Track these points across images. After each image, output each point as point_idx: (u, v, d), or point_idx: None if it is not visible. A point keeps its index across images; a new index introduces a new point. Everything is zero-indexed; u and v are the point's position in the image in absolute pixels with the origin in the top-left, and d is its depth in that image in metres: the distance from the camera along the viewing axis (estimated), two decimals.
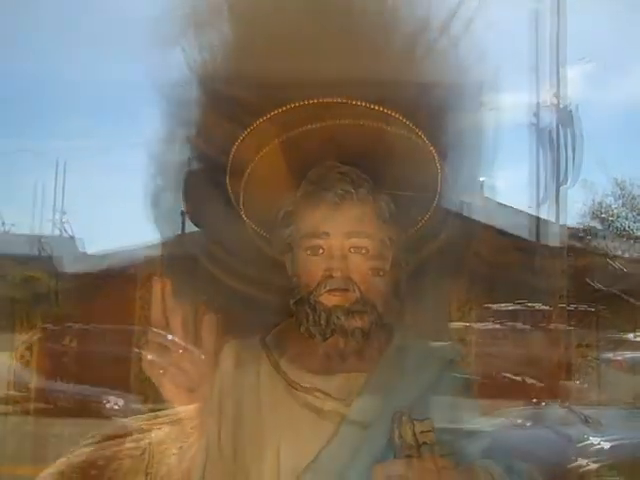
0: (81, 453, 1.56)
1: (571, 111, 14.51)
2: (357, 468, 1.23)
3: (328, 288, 1.27)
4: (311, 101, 1.34)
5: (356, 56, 1.34)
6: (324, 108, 1.34)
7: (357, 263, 1.29)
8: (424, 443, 1.17)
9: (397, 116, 1.34)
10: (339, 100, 1.33)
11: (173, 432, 1.43)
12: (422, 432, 1.17)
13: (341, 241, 1.28)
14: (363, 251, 1.29)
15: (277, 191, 1.38)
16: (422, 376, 1.33)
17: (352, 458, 1.24)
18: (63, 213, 21.55)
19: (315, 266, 1.29)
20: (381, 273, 1.33)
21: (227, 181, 1.41)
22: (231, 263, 1.46)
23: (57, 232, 21.52)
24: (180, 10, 1.39)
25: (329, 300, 1.27)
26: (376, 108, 1.32)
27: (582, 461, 3.97)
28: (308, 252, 1.30)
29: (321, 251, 1.29)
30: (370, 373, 1.31)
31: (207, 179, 1.44)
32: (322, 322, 1.27)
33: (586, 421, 4.71)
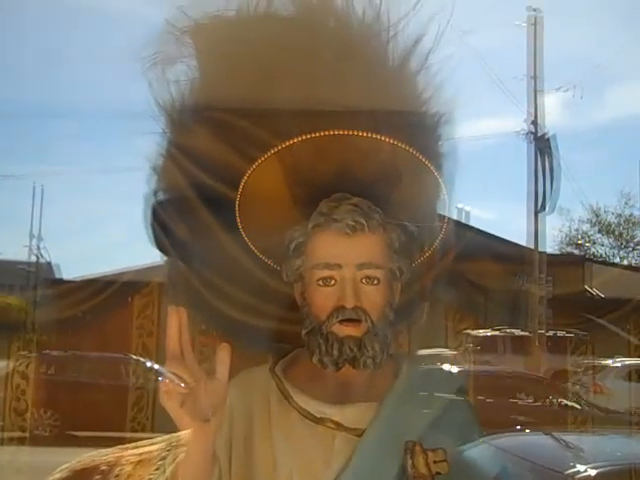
0: None
1: (549, 139, 14.75)
2: None
3: (340, 318, 1.28)
4: (318, 134, 1.35)
5: (319, 84, 1.36)
6: (331, 140, 1.35)
7: (368, 294, 1.30)
8: (437, 473, 1.17)
9: (406, 147, 1.36)
10: (347, 132, 1.35)
11: (141, 465, 1.42)
12: (435, 462, 1.18)
13: (353, 272, 1.29)
14: (375, 282, 1.30)
15: (285, 222, 1.39)
16: (433, 405, 1.34)
17: None
18: (40, 239, 21.42)
19: (327, 297, 1.30)
20: (391, 303, 1.34)
21: (237, 211, 1.41)
22: (223, 289, 1.46)
23: (33, 258, 21.37)
24: (149, 47, 1.43)
25: (341, 330, 1.28)
26: (386, 140, 1.34)
27: (580, 467, 3.97)
28: (320, 283, 1.31)
29: (333, 282, 1.30)
30: (381, 403, 1.32)
31: (180, 207, 1.45)
32: (335, 352, 1.28)
33: (567, 447, 4.70)
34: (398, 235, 1.36)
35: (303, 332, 1.32)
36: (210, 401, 1.12)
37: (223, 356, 1.16)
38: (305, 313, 1.34)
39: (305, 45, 1.39)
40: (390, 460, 1.24)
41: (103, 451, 1.55)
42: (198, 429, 1.13)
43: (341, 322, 1.28)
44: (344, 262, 1.29)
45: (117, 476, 1.45)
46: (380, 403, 1.32)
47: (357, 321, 1.28)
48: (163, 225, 1.47)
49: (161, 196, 1.49)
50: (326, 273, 1.30)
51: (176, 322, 1.12)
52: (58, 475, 1.52)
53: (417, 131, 1.41)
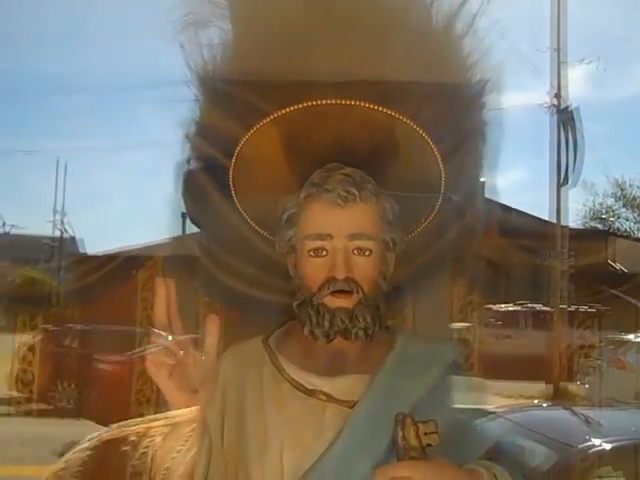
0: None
1: (572, 112, 14.56)
2: (360, 470, 1.22)
3: (331, 290, 1.27)
4: (315, 102, 1.33)
5: (359, 55, 1.33)
6: (328, 109, 1.33)
7: (360, 265, 1.28)
8: (428, 445, 1.16)
9: (402, 117, 1.33)
10: (343, 102, 1.33)
11: (171, 436, 1.42)
12: (426, 434, 1.17)
13: (344, 243, 1.28)
14: (367, 253, 1.29)
15: (279, 192, 1.38)
16: (425, 378, 1.33)
17: (355, 460, 1.24)
18: (64, 214, 21.61)
19: (318, 268, 1.29)
20: (384, 274, 1.33)
21: (230, 181, 1.40)
22: (230, 263, 1.46)
23: (57, 233, 21.59)
24: (179, 9, 1.39)
25: (332, 302, 1.27)
26: (381, 110, 1.32)
27: (596, 441, 3.97)
28: (311, 254, 1.30)
29: (324, 253, 1.29)
30: (373, 375, 1.31)
31: (207, 179, 1.43)
32: (326, 324, 1.27)
33: (587, 422, 4.70)
34: (391, 205, 1.34)
35: (294, 304, 1.32)
36: (198, 372, 1.12)
37: (212, 328, 1.16)
38: (297, 284, 1.33)
39: (345, 9, 1.35)
40: (381, 432, 1.23)
41: (132, 421, 1.56)
42: (186, 400, 1.13)
43: (332, 293, 1.27)
44: (335, 232, 1.28)
45: (146, 447, 1.45)
46: (372, 375, 1.31)
47: (348, 292, 1.27)
48: (194, 195, 1.45)
49: (194, 164, 1.47)
50: (317, 244, 1.29)
51: (164, 293, 1.12)
52: (87, 444, 1.52)
53: (462, 98, 1.38)
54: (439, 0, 1.36)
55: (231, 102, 1.38)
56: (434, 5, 1.37)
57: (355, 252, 1.29)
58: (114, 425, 1.56)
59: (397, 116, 1.34)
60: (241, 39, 1.40)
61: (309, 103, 1.33)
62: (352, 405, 1.28)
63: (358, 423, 1.26)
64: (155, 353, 1.10)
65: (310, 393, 1.29)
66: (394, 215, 1.34)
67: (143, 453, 1.42)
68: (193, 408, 1.41)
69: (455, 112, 1.36)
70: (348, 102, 1.33)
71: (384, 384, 1.30)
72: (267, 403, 1.31)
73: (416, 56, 1.35)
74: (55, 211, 21.36)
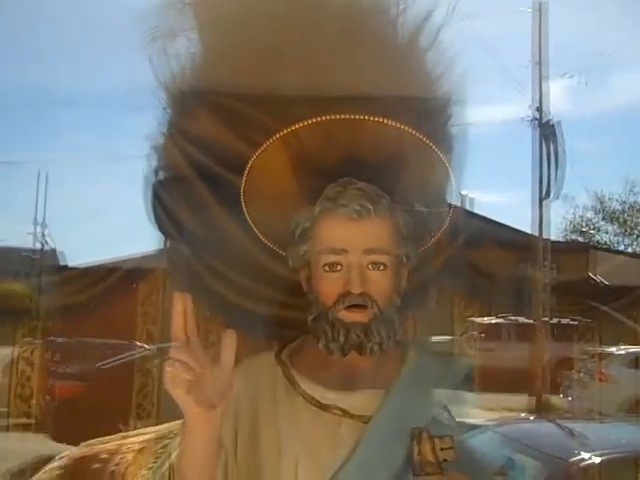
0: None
1: (553, 126, 14.68)
2: None
3: (346, 304, 1.27)
4: (325, 117, 1.34)
5: (326, 68, 1.34)
6: (336, 124, 1.34)
7: (375, 279, 1.28)
8: (444, 460, 1.16)
9: (412, 131, 1.34)
10: (354, 117, 1.33)
11: (142, 453, 1.42)
12: (442, 449, 1.17)
13: (359, 258, 1.28)
14: (381, 267, 1.29)
15: (290, 207, 1.38)
16: (439, 392, 1.33)
17: (370, 476, 1.23)
18: (44, 226, 21.43)
19: (333, 283, 1.28)
20: (398, 289, 1.33)
21: (242, 196, 1.40)
22: (226, 274, 1.45)
23: (38, 245, 21.40)
24: (149, 21, 1.40)
25: (347, 317, 1.27)
26: (392, 124, 1.33)
27: (585, 454, 3.97)
28: (326, 268, 1.29)
29: (339, 267, 1.29)
30: (387, 390, 1.31)
31: (179, 187, 1.43)
32: (341, 338, 1.27)
33: (572, 435, 4.71)
34: (405, 220, 1.34)
35: (309, 318, 1.31)
36: (216, 388, 1.11)
37: (229, 342, 1.15)
38: (311, 299, 1.33)
39: (311, 20, 1.36)
40: (396, 447, 1.23)
41: (104, 439, 1.55)
42: (204, 415, 1.12)
43: (347, 308, 1.27)
44: (350, 247, 1.28)
45: (117, 464, 1.44)
46: (386, 390, 1.31)
47: (363, 307, 1.27)
48: (164, 205, 1.45)
49: (162, 175, 1.46)
50: (332, 258, 1.29)
51: (182, 308, 1.11)
52: (57, 463, 1.51)
53: (426, 111, 1.39)
54: (404, 14, 1.38)
55: (198, 112, 1.39)
56: (399, 19, 1.38)
57: (370, 267, 1.29)
58: (84, 443, 1.55)
59: (408, 129, 1.35)
60: (209, 49, 1.42)
61: (319, 119, 1.34)
62: (367, 420, 1.28)
63: (374, 438, 1.26)
64: (173, 369, 1.08)
65: (325, 408, 1.29)
66: (408, 230, 1.34)
67: (113, 471, 1.41)
68: (165, 425, 1.41)
69: (420, 124, 1.36)
70: (361, 117, 1.34)
71: (398, 399, 1.30)
72: (280, 417, 1.30)
73: (382, 67, 1.37)
74: (36, 223, 21.19)
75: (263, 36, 1.37)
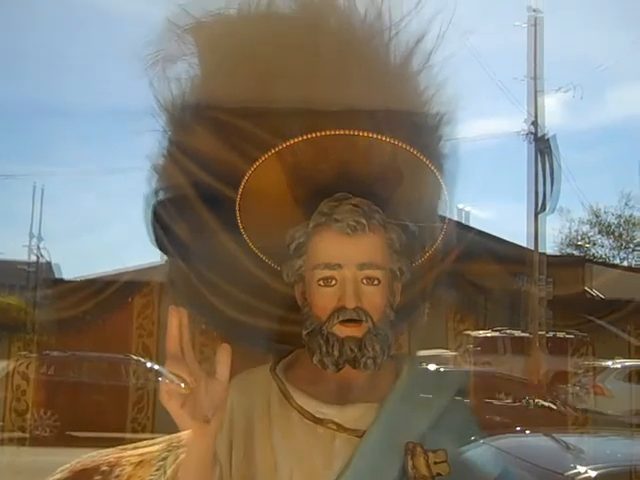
0: None
1: (549, 140, 14.74)
2: None
3: (341, 319, 1.27)
4: (318, 133, 1.35)
5: (321, 86, 1.36)
6: (331, 140, 1.35)
7: (369, 294, 1.29)
8: (438, 474, 1.17)
9: (407, 147, 1.35)
10: (348, 132, 1.34)
11: (141, 465, 1.42)
12: (436, 463, 1.18)
13: (354, 272, 1.29)
14: (375, 282, 1.30)
15: (285, 221, 1.39)
16: (433, 407, 1.33)
17: None
18: (40, 239, 21.43)
19: (327, 297, 1.29)
20: (392, 304, 1.34)
21: (237, 211, 1.41)
22: (223, 289, 1.46)
23: (33, 258, 21.38)
24: (149, 45, 1.43)
25: (342, 331, 1.28)
26: (387, 139, 1.34)
27: (581, 468, 3.96)
28: (320, 283, 1.30)
29: (333, 282, 1.29)
30: (381, 404, 1.31)
31: (180, 207, 1.44)
32: (335, 353, 1.27)
33: (568, 448, 4.70)
34: (399, 235, 1.35)
35: (304, 332, 1.32)
36: (211, 401, 1.11)
37: (223, 356, 1.16)
38: (306, 313, 1.33)
39: (306, 44, 1.38)
40: (391, 461, 1.23)
41: (104, 451, 1.55)
42: (199, 429, 1.12)
43: (342, 322, 1.27)
44: (345, 262, 1.29)
45: (117, 477, 1.44)
46: (381, 404, 1.31)
47: (358, 321, 1.27)
48: (164, 225, 1.46)
49: (162, 195, 1.48)
50: (327, 273, 1.30)
51: (177, 322, 1.12)
52: (58, 476, 1.51)
53: (418, 131, 1.41)
54: (396, 38, 1.40)
55: (198, 133, 1.42)
56: (392, 43, 1.40)
57: (364, 281, 1.29)
58: (85, 455, 1.55)
59: (401, 145, 1.36)
60: (208, 73, 1.44)
61: (313, 135, 1.35)
62: (361, 434, 1.28)
63: (368, 452, 1.26)
64: (168, 382, 1.09)
65: (319, 422, 1.29)
66: (401, 244, 1.36)
67: None
68: (164, 438, 1.41)
69: (412, 143, 1.38)
70: (353, 133, 1.35)
71: (392, 413, 1.31)
72: (275, 431, 1.30)
73: (375, 89, 1.39)
74: (31, 236, 21.20)
75: (259, 57, 1.39)
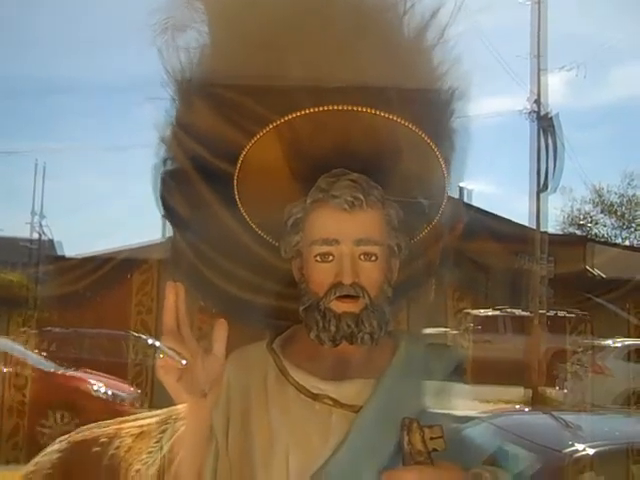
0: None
1: (552, 118, 14.68)
2: (366, 475, 1.23)
3: (338, 295, 1.27)
4: (318, 109, 1.34)
5: (332, 60, 1.34)
6: (330, 115, 1.34)
7: (366, 270, 1.29)
8: (434, 449, 1.17)
9: (405, 122, 1.34)
10: (346, 108, 1.33)
11: (141, 437, 1.43)
12: (432, 438, 1.17)
13: (351, 248, 1.29)
14: (373, 258, 1.29)
15: (283, 197, 1.38)
16: (430, 382, 1.34)
17: (360, 465, 1.24)
18: (42, 216, 21.45)
19: (324, 273, 1.29)
20: (389, 280, 1.34)
21: (235, 186, 1.40)
22: (222, 265, 1.46)
23: (35, 235, 21.41)
24: (158, 13, 1.40)
25: (339, 307, 1.27)
26: (384, 115, 1.33)
27: (579, 446, 3.98)
28: (318, 259, 1.30)
29: (331, 258, 1.29)
30: (378, 380, 1.32)
31: (186, 179, 1.43)
32: (332, 328, 1.27)
33: (567, 426, 4.73)
34: (397, 211, 1.35)
35: (301, 308, 1.32)
36: (207, 376, 1.12)
37: (220, 332, 1.16)
38: (303, 289, 1.33)
39: (319, 12, 1.36)
40: (387, 437, 1.23)
41: (103, 423, 1.55)
42: (194, 404, 1.13)
43: (339, 298, 1.27)
44: (342, 238, 1.28)
45: (117, 448, 1.45)
46: (377, 380, 1.32)
47: (355, 297, 1.27)
48: (172, 195, 1.45)
49: (169, 165, 1.47)
50: (324, 249, 1.29)
51: (174, 297, 1.12)
52: (57, 446, 1.52)
53: (431, 106, 1.39)
54: (411, 11, 1.38)
55: (206, 103, 1.40)
56: (406, 16, 1.38)
57: (361, 257, 1.29)
58: (84, 427, 1.56)
59: (401, 121, 1.35)
60: (218, 42, 1.42)
61: (312, 110, 1.34)
62: (357, 410, 1.28)
63: (364, 428, 1.27)
64: (164, 357, 1.09)
65: (316, 397, 1.29)
66: (399, 221, 1.35)
67: (113, 454, 1.42)
68: (164, 410, 1.41)
69: (423, 118, 1.37)
70: (351, 108, 1.33)
71: (389, 389, 1.31)
72: (272, 407, 1.31)
73: (387, 63, 1.37)
74: (33, 213, 21.21)
75: (271, 30, 1.36)
